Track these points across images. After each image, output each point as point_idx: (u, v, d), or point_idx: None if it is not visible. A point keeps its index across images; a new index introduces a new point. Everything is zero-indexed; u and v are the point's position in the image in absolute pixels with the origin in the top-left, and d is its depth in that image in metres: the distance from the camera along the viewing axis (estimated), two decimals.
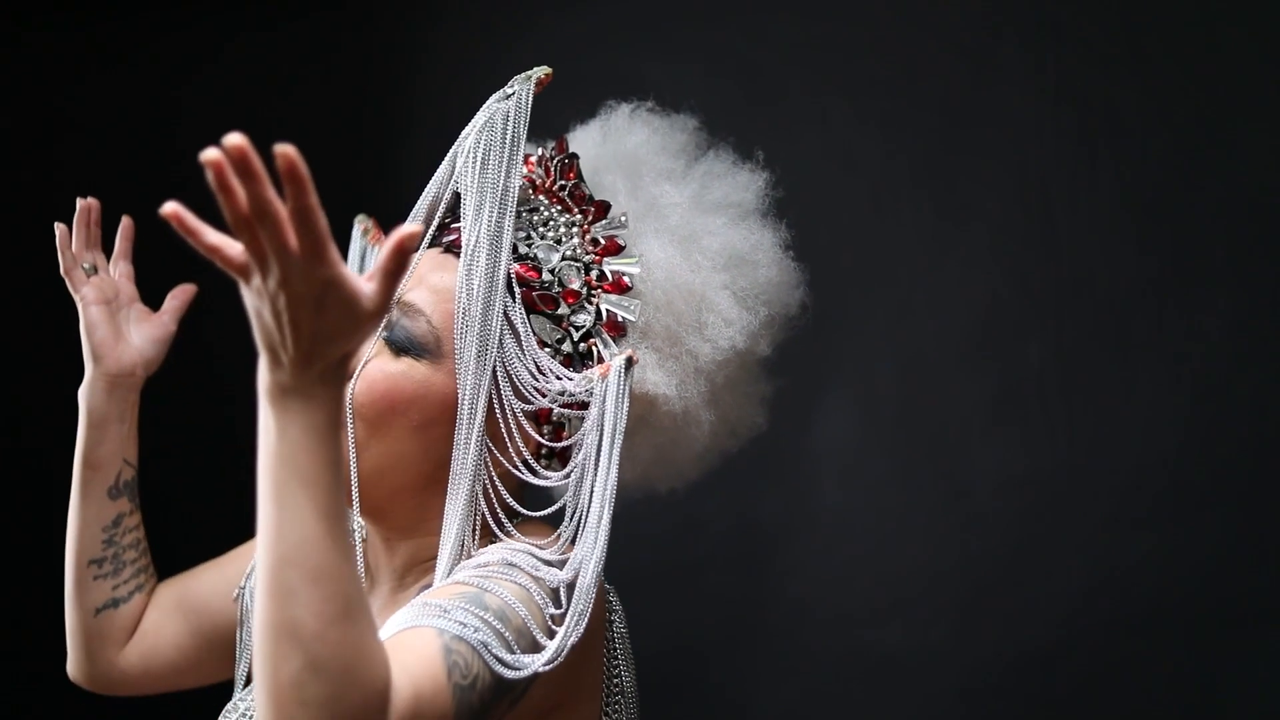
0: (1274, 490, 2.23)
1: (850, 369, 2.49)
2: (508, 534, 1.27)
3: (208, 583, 1.52)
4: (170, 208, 0.89)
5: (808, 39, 2.50)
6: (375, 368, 1.27)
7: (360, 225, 1.46)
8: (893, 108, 2.46)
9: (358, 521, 1.39)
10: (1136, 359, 2.31)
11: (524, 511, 1.29)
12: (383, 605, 1.32)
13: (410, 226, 0.91)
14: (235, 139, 0.86)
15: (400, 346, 1.27)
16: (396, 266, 0.92)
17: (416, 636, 1.11)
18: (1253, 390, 2.25)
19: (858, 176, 2.48)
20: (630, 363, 1.26)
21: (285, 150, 0.86)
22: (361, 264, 1.44)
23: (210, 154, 0.86)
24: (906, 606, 2.43)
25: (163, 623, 1.51)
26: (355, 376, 1.26)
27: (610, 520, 1.23)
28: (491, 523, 1.26)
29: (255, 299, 0.93)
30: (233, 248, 0.91)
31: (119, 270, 1.53)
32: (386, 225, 1.36)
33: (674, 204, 1.36)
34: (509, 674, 1.11)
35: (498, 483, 1.27)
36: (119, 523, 1.48)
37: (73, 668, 1.52)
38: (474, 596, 1.14)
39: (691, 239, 1.35)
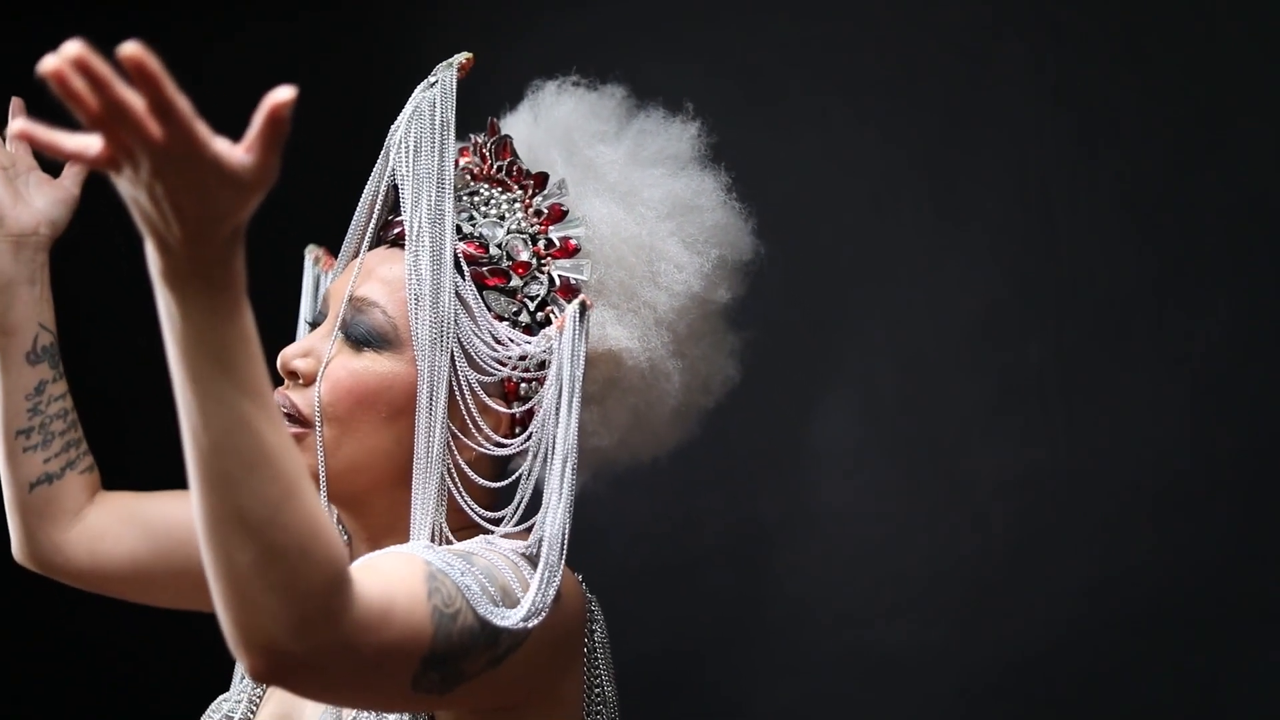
0: (1274, 490, 2.23)
1: (850, 369, 2.49)
2: (482, 518, 1.27)
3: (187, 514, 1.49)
4: (17, 127, 0.85)
5: (808, 39, 2.49)
6: (338, 365, 1.27)
7: (311, 254, 1.46)
8: (893, 108, 2.46)
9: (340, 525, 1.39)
10: (1136, 359, 2.31)
11: (492, 485, 1.28)
12: None
13: (283, 90, 0.86)
14: (73, 48, 0.83)
15: (360, 340, 1.27)
16: (272, 131, 0.87)
17: (400, 557, 1.13)
18: (1253, 390, 2.25)
19: (858, 176, 2.47)
20: (584, 307, 1.26)
21: (130, 52, 0.83)
22: (316, 292, 1.44)
23: (48, 65, 0.82)
24: (906, 606, 2.43)
25: (123, 533, 1.48)
26: (319, 378, 1.26)
27: (575, 470, 1.24)
28: (463, 505, 1.26)
29: (130, 188, 0.88)
30: (94, 147, 0.86)
31: (15, 145, 1.51)
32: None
33: (610, 162, 1.37)
34: (492, 620, 1.12)
35: (466, 468, 1.27)
36: (42, 390, 1.45)
37: (16, 548, 1.51)
38: (461, 553, 1.16)
39: (632, 193, 1.36)
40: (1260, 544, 2.23)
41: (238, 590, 0.96)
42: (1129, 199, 2.33)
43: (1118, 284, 2.33)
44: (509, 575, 1.17)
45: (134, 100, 0.84)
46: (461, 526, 1.27)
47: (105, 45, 0.86)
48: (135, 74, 0.83)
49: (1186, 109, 2.29)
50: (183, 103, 0.85)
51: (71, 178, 1.51)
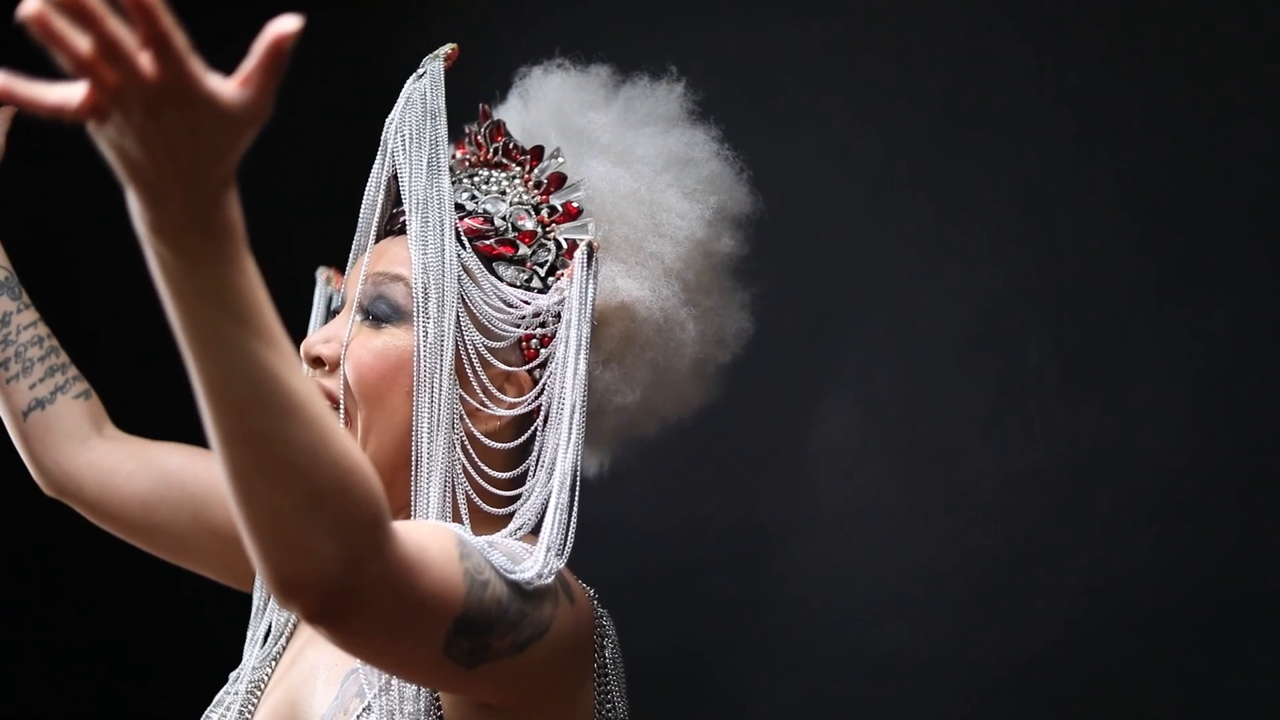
0: (1274, 490, 2.23)
1: (850, 369, 2.49)
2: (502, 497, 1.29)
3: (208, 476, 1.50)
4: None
5: (808, 39, 2.49)
6: (359, 346, 1.28)
7: (322, 275, 1.47)
8: (893, 108, 2.45)
9: None
10: (1136, 359, 2.31)
11: (512, 446, 1.30)
12: None
13: (288, 20, 0.81)
14: None
15: (380, 317, 1.29)
16: (272, 65, 0.82)
17: (427, 524, 1.15)
18: (1253, 390, 2.25)
19: (858, 177, 2.47)
20: (591, 249, 1.30)
21: None
22: (327, 311, 1.45)
23: (30, 8, 0.76)
24: (907, 606, 2.43)
25: (135, 472, 1.50)
26: (342, 360, 1.28)
27: (584, 413, 1.26)
28: (479, 479, 1.28)
29: (115, 137, 0.83)
30: (75, 97, 0.80)
31: None
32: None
33: (602, 126, 1.39)
34: (514, 576, 1.14)
35: (484, 439, 1.29)
36: (7, 321, 1.49)
37: (37, 480, 1.54)
38: (482, 538, 1.18)
39: (627, 152, 1.38)
40: (1260, 544, 2.23)
41: (283, 537, 0.94)
42: (1129, 199, 2.33)
43: (1118, 284, 2.33)
44: (524, 556, 1.19)
45: (127, 37, 0.80)
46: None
47: None
48: (133, 7, 0.79)
49: (1186, 109, 2.29)
50: (180, 37, 0.81)
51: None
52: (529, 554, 1.20)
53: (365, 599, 0.99)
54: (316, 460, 0.92)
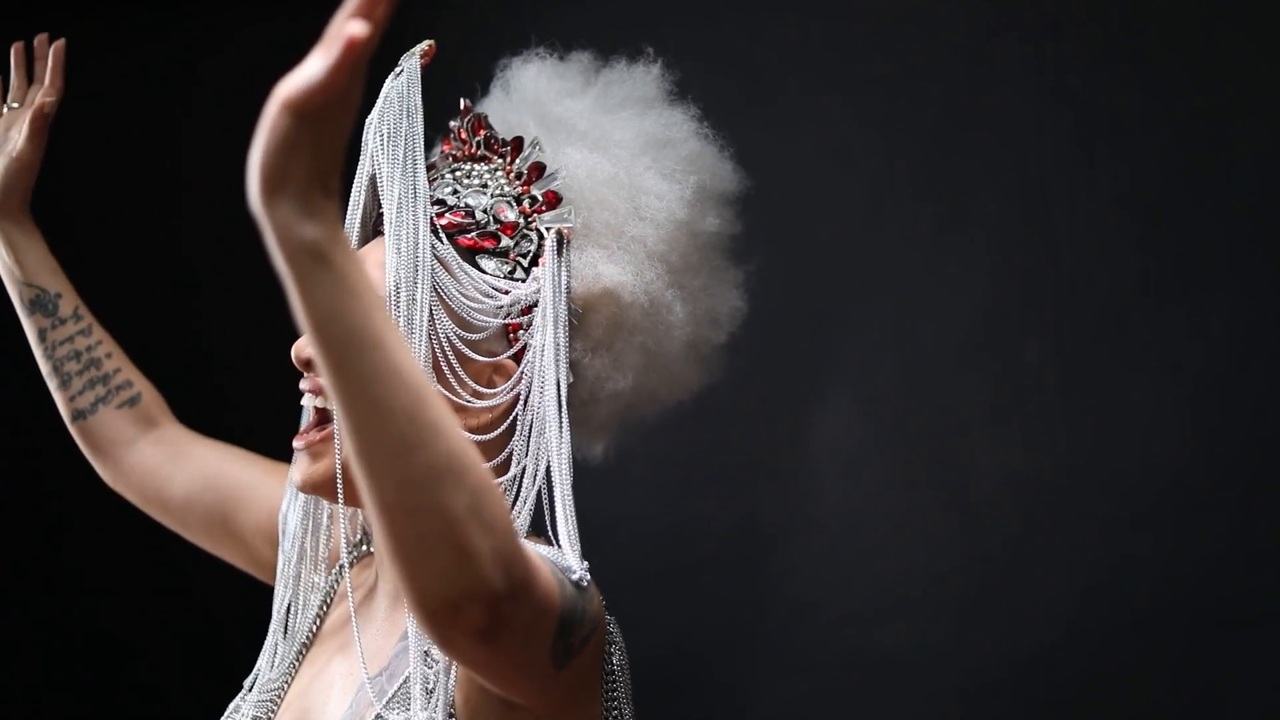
0: (1274, 490, 2.23)
1: (850, 369, 2.49)
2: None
3: (257, 482, 1.56)
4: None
5: (808, 39, 2.50)
6: None
7: None
8: (892, 108, 2.46)
9: (350, 535, 1.41)
10: (1136, 359, 2.31)
11: (489, 438, 1.29)
12: (383, 618, 1.31)
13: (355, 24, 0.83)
14: None
15: None
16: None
17: None
18: (1253, 390, 2.25)
19: (857, 177, 2.48)
20: (561, 236, 1.31)
21: None
22: None
23: None
24: (907, 606, 2.43)
25: (174, 472, 1.58)
26: None
27: (566, 394, 1.27)
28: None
29: (340, 117, 0.86)
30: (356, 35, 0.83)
31: None
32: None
33: (578, 113, 1.40)
34: (574, 576, 1.15)
35: (471, 437, 1.28)
36: (44, 337, 1.60)
37: (97, 470, 1.63)
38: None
39: (604, 137, 1.39)
40: (1260, 544, 2.23)
41: (454, 544, 0.93)
42: (1129, 199, 2.33)
43: (1118, 284, 2.33)
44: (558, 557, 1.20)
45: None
46: None
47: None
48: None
49: (1186, 109, 2.29)
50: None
51: (30, 146, 1.59)
52: (561, 554, 1.21)
53: (520, 604, 0.99)
54: (470, 451, 0.94)
